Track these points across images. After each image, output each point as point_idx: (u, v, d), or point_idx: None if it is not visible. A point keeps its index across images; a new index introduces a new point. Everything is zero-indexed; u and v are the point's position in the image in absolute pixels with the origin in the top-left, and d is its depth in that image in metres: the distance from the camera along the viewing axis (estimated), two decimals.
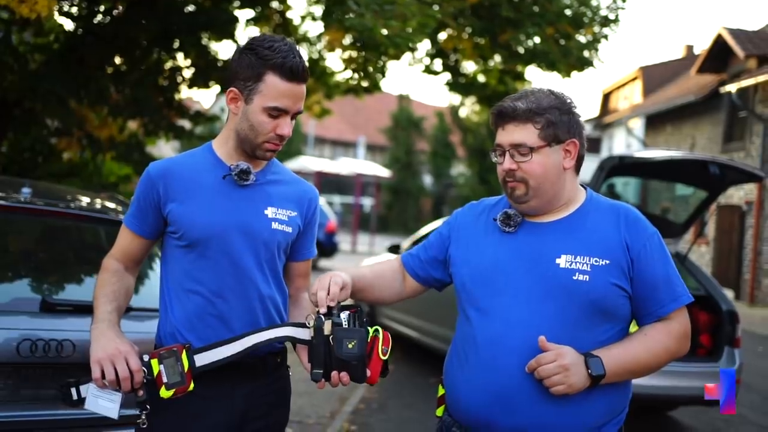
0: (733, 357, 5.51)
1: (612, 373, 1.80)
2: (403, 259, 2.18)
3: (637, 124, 23.28)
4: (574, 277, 1.83)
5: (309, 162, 26.41)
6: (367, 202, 34.05)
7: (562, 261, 1.85)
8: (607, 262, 1.85)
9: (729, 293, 15.90)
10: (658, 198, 17.00)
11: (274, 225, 2.03)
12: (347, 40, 6.90)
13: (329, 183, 30.66)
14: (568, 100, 1.94)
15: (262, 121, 1.96)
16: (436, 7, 7.57)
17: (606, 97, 27.58)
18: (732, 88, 15.96)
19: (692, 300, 1.92)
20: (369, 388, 6.28)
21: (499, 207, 2.03)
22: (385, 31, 6.33)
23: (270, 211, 2.03)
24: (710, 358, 5.54)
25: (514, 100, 1.91)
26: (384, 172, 29.41)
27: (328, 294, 1.84)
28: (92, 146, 7.76)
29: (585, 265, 1.84)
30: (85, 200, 3.67)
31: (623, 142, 24.48)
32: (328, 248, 17.07)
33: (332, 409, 5.66)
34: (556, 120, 1.89)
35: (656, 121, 21.43)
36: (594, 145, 27.75)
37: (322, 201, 18.93)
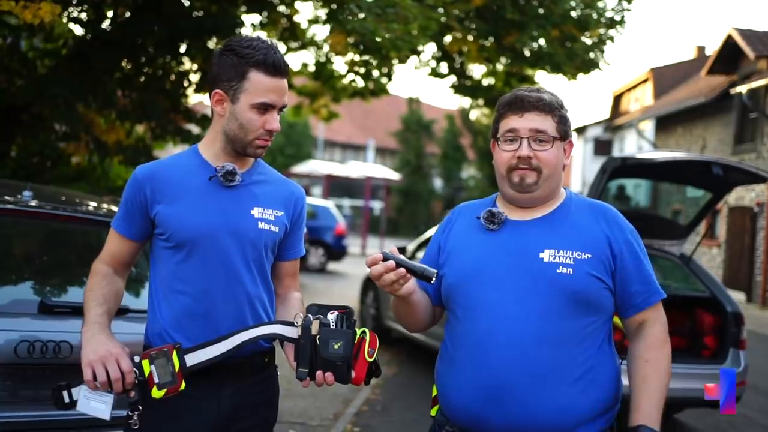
0: (738, 359, 5.47)
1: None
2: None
3: (648, 126, 23.18)
4: (558, 271, 1.86)
5: (319, 165, 26.49)
6: (377, 206, 34.08)
7: (546, 255, 1.88)
8: (589, 256, 1.89)
9: (741, 296, 15.80)
10: (668, 200, 16.89)
11: (261, 225, 2.05)
12: (349, 42, 6.93)
13: (339, 186, 30.72)
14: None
15: (250, 118, 1.99)
16: (440, 10, 7.59)
17: (617, 99, 27.51)
18: (742, 89, 15.89)
19: (666, 295, 1.99)
20: (373, 390, 6.30)
21: (485, 206, 2.06)
22: (386, 34, 6.35)
23: (256, 211, 2.05)
24: (715, 360, 5.52)
25: (533, 92, 1.97)
26: (394, 175, 29.44)
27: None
28: (100, 150, 7.82)
29: (568, 258, 1.87)
30: (85, 203, 3.70)
31: (634, 144, 24.37)
32: (337, 252, 17.07)
33: (336, 410, 5.67)
34: (566, 118, 1.99)
35: (667, 123, 21.33)
36: (605, 148, 27.66)
37: (332, 204, 18.95)
